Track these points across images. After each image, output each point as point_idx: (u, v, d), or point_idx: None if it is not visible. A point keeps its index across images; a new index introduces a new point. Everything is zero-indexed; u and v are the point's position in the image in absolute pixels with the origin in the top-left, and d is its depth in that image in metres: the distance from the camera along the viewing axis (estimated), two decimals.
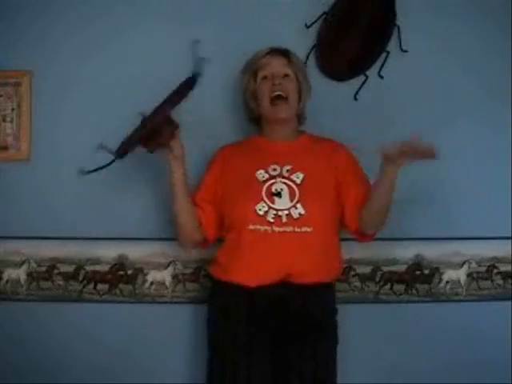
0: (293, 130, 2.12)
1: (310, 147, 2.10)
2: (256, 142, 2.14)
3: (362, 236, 2.12)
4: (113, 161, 1.90)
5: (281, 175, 2.01)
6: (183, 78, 1.92)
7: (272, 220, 1.95)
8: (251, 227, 1.95)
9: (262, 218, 1.95)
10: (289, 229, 1.95)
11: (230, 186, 2.05)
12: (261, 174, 2.02)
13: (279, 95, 2.03)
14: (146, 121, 1.88)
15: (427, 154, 1.83)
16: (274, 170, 2.03)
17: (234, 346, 1.95)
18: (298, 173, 2.02)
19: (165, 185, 2.07)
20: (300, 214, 1.95)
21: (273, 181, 2.01)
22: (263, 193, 1.98)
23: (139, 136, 1.89)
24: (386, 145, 1.88)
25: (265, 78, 2.05)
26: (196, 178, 2.14)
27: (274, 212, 1.96)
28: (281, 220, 1.95)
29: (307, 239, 1.95)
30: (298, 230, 1.95)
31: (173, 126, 1.92)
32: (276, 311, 1.95)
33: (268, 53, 2.07)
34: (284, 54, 2.08)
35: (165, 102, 1.89)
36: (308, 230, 1.95)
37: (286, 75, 2.05)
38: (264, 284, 1.94)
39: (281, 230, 1.94)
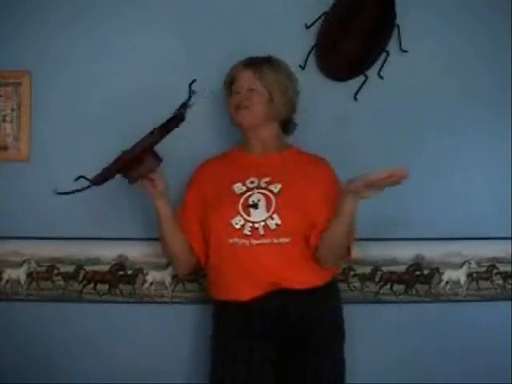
0: (272, 141, 2.08)
1: (293, 161, 2.04)
2: (235, 154, 2.12)
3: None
4: (88, 186, 1.87)
5: (258, 187, 1.99)
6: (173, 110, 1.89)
7: (249, 233, 1.93)
8: (230, 241, 1.94)
9: (239, 232, 1.93)
10: (266, 241, 1.92)
11: (209, 202, 2.03)
12: (238, 187, 2.00)
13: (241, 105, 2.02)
14: (126, 151, 1.84)
15: (399, 178, 1.72)
16: (252, 182, 2.01)
17: (234, 360, 1.94)
18: (276, 183, 1.99)
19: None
20: (277, 224, 1.93)
21: (250, 193, 1.98)
22: (239, 206, 1.96)
23: (118, 164, 1.85)
24: (354, 178, 1.81)
25: (236, 92, 2.06)
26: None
27: (251, 225, 1.93)
28: (258, 232, 1.93)
29: (286, 249, 1.93)
30: (276, 241, 1.93)
31: (156, 159, 1.89)
32: (275, 322, 1.94)
33: (242, 65, 2.06)
34: (254, 65, 2.05)
35: (149, 134, 1.86)
36: (286, 240, 1.93)
37: (251, 89, 2.03)
38: (256, 296, 1.92)
39: (259, 242, 1.92)
